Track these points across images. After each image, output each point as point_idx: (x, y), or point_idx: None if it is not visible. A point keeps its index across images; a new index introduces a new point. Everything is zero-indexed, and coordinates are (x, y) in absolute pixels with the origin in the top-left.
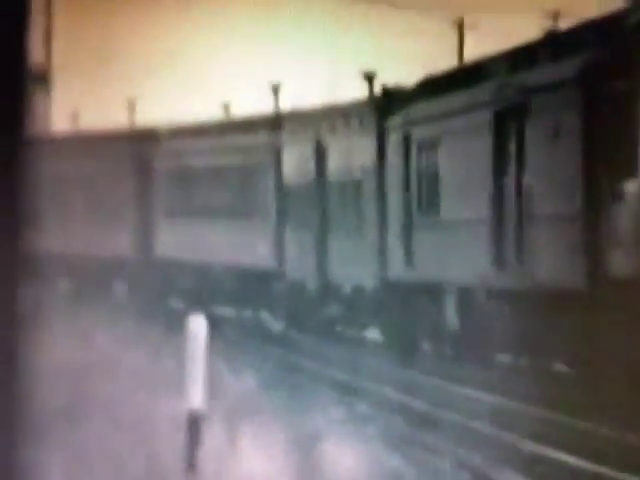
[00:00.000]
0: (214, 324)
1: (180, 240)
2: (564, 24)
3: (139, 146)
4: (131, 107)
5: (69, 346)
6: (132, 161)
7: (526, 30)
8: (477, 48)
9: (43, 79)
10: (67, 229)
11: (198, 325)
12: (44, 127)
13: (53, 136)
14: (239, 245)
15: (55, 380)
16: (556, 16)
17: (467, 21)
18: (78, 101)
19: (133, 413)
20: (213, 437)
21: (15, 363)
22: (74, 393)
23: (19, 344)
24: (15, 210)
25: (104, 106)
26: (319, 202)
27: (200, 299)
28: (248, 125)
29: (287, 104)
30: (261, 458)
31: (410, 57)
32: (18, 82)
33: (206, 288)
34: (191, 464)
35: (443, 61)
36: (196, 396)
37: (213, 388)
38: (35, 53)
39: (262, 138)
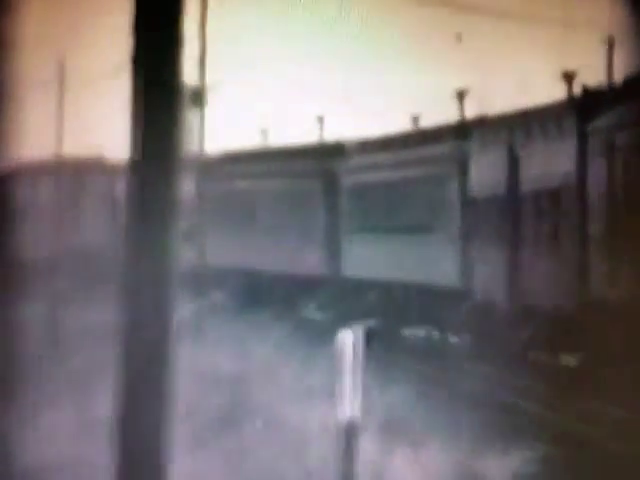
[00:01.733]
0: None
1: (366, 257)
2: None
3: (326, 162)
4: (319, 122)
5: (232, 356)
6: (319, 177)
7: None
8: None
9: (197, 98)
10: (253, 245)
11: (352, 338)
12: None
13: (240, 152)
14: (421, 262)
15: (216, 388)
16: None
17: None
18: (231, 119)
19: (289, 422)
20: (367, 450)
21: (168, 368)
22: (232, 401)
23: (171, 353)
24: (169, 225)
25: (293, 122)
26: (511, 215)
27: (381, 317)
28: (433, 135)
29: (473, 111)
30: (416, 474)
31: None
32: (173, 101)
33: (388, 306)
34: (346, 476)
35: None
36: (349, 408)
37: (369, 401)
38: (189, 73)
39: (447, 148)
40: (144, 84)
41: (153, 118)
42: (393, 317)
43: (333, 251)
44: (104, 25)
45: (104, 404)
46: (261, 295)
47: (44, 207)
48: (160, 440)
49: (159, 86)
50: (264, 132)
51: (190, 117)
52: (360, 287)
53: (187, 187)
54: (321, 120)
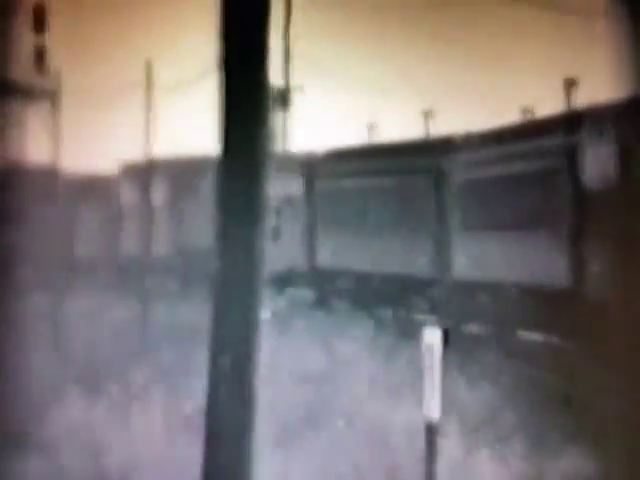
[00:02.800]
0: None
1: (476, 256)
2: None
3: (435, 157)
4: (427, 117)
5: (314, 353)
6: (428, 173)
7: None
8: None
9: (283, 98)
10: (359, 245)
11: (434, 337)
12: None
13: (347, 149)
14: (530, 260)
15: (298, 386)
16: None
17: None
18: (317, 118)
19: (371, 421)
20: (450, 450)
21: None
22: (315, 399)
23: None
24: (257, 223)
25: (402, 117)
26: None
27: (493, 319)
28: (543, 128)
29: (584, 100)
30: (499, 474)
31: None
32: (260, 102)
33: (499, 308)
34: (429, 475)
35: None
36: (432, 407)
37: (449, 400)
38: (275, 74)
39: (556, 140)
40: (232, 85)
41: (240, 118)
42: (505, 320)
43: (443, 251)
44: (192, 28)
45: (192, 401)
46: (368, 296)
47: (151, 208)
48: (246, 437)
49: (246, 87)
50: (371, 128)
51: (277, 117)
52: (470, 288)
53: (295, 186)
54: (429, 115)
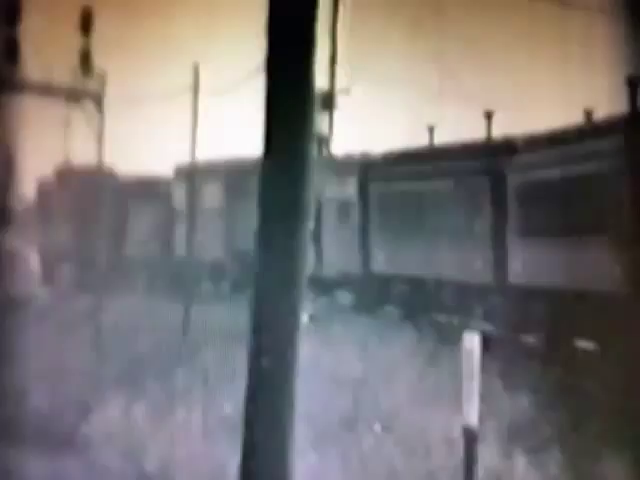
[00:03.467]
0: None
1: (533, 263)
2: None
3: (493, 160)
4: (487, 118)
5: (351, 357)
6: (486, 176)
7: None
8: None
9: (327, 102)
10: (414, 249)
11: (473, 343)
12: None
13: (404, 152)
14: (590, 267)
15: (336, 389)
16: None
17: None
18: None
19: (409, 426)
20: (488, 456)
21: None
22: (353, 403)
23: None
24: (299, 226)
25: (461, 120)
26: None
27: (551, 328)
28: (603, 129)
29: None
30: None
31: None
32: (304, 105)
33: (556, 317)
34: None
35: None
36: (471, 413)
37: (488, 406)
38: (319, 78)
39: (617, 142)
40: (277, 88)
41: (285, 120)
42: (563, 329)
43: (499, 256)
44: (238, 31)
45: (231, 402)
46: (421, 302)
47: (203, 209)
48: (284, 439)
49: (292, 89)
50: (430, 129)
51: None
52: (527, 296)
53: (350, 189)
54: (489, 116)
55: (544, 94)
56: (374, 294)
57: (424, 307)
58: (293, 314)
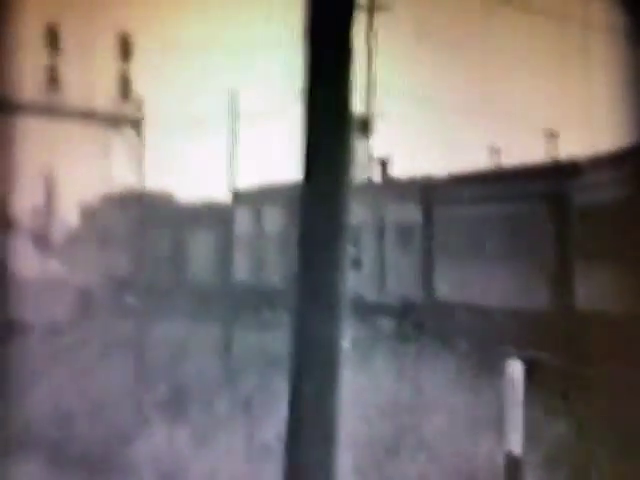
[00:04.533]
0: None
1: (599, 289)
2: None
3: (558, 181)
4: (550, 139)
5: (394, 384)
6: (550, 199)
7: None
8: None
9: (364, 126)
10: (474, 276)
11: (517, 370)
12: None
13: (467, 174)
14: None
15: (380, 416)
16: None
17: None
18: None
19: (453, 453)
20: None
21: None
22: (398, 429)
23: (338, 380)
24: (338, 250)
25: (524, 140)
26: None
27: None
28: None
29: None
30: None
31: None
32: (342, 131)
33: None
34: None
35: None
36: (515, 440)
37: (530, 434)
38: (357, 102)
39: None
40: (315, 114)
41: (323, 146)
42: (629, 357)
43: (564, 283)
44: (276, 57)
45: (273, 428)
46: (480, 330)
47: (262, 235)
48: (326, 466)
49: (330, 115)
50: (494, 151)
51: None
52: (594, 324)
53: (413, 213)
54: (553, 135)
55: (609, 112)
56: (437, 322)
57: (489, 337)
58: (333, 339)
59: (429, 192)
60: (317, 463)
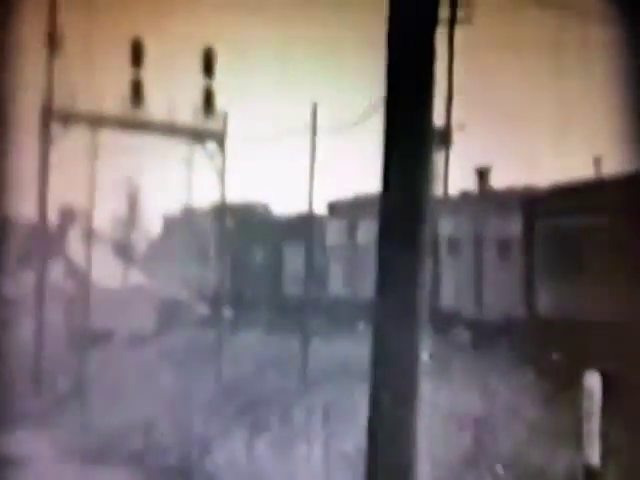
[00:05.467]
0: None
1: None
2: None
3: None
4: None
5: (471, 395)
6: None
7: None
8: None
9: (444, 139)
10: (574, 292)
11: (594, 382)
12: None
13: (570, 184)
14: None
15: (455, 428)
16: None
17: None
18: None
19: (530, 465)
20: None
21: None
22: (474, 442)
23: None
24: (419, 262)
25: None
26: None
27: None
28: None
29: None
30: None
31: None
32: (422, 143)
33: None
34: None
35: None
36: (592, 452)
37: (609, 446)
38: (437, 115)
39: None
40: (396, 126)
41: (403, 158)
42: None
43: None
44: (355, 70)
45: (352, 438)
46: (576, 350)
47: (355, 247)
48: (405, 478)
49: (410, 127)
50: (596, 161)
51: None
52: None
53: (513, 225)
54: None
55: None
56: (538, 338)
57: (578, 351)
58: (413, 349)
59: (532, 204)
60: (396, 474)
